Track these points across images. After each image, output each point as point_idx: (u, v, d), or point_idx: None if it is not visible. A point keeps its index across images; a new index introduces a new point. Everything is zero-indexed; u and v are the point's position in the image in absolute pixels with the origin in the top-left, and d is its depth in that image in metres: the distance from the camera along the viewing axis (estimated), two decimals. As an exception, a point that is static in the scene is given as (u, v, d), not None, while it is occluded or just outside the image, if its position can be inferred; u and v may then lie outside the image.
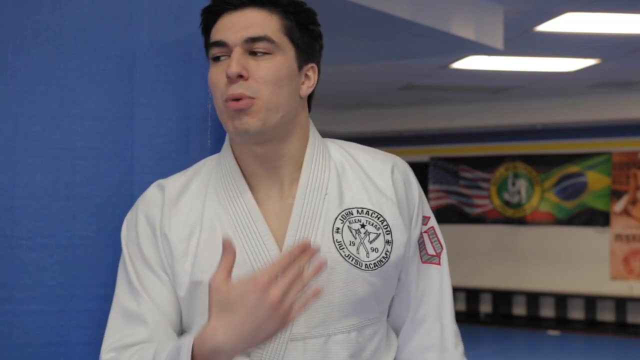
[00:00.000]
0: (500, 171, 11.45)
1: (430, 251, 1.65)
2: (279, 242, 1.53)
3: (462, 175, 11.70)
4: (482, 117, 10.56)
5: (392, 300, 1.66)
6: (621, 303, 10.43)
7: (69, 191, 1.75)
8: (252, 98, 1.50)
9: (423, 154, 11.92)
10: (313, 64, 1.59)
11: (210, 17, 1.57)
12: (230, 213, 1.55)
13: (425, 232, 1.65)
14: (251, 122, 1.50)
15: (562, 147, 10.95)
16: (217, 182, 1.59)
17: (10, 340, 1.70)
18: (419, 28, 5.40)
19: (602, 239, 10.66)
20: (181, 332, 1.59)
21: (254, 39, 1.51)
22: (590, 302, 10.61)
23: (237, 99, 1.49)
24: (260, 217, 1.54)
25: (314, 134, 1.62)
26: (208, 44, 1.57)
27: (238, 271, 1.49)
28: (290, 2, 1.56)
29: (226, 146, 1.62)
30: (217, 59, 1.54)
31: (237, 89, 1.49)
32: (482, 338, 10.34)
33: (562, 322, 10.78)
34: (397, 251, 1.58)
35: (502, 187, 11.43)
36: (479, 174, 11.59)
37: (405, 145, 11.94)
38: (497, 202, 11.46)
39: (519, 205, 11.29)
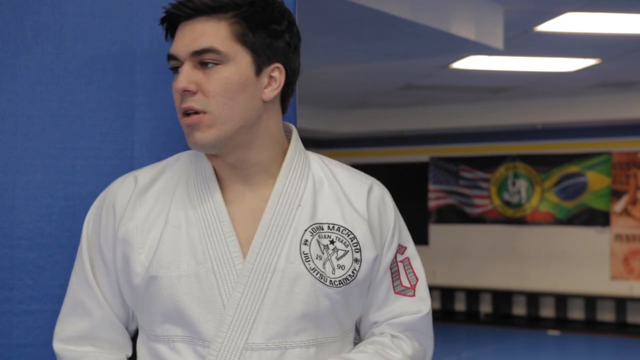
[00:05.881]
0: (500, 171, 11.45)
1: (405, 283, 1.64)
2: (244, 245, 1.54)
3: (462, 175, 11.70)
4: (482, 117, 10.56)
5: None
6: (621, 303, 10.43)
7: (69, 191, 1.75)
8: (203, 112, 1.50)
9: (423, 154, 11.92)
10: (277, 64, 1.55)
11: (169, 27, 1.57)
12: (199, 212, 1.55)
13: (400, 261, 1.64)
14: (202, 137, 1.51)
15: (562, 147, 10.95)
16: (189, 179, 1.59)
17: (10, 340, 1.70)
18: (419, 28, 5.40)
19: (602, 239, 10.65)
20: (128, 320, 1.62)
21: (200, 52, 1.50)
22: (590, 302, 10.61)
23: (188, 113, 1.51)
24: (227, 219, 1.54)
25: (295, 145, 1.62)
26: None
27: (197, 269, 1.52)
28: (241, 4, 1.52)
29: None
30: (175, 69, 1.54)
31: (187, 102, 1.51)
32: (482, 338, 10.34)
33: (562, 322, 10.78)
34: (364, 270, 1.57)
35: (502, 187, 11.43)
36: (479, 174, 11.59)
37: (405, 145, 11.94)
38: (497, 202, 11.46)
39: (519, 205, 11.29)
